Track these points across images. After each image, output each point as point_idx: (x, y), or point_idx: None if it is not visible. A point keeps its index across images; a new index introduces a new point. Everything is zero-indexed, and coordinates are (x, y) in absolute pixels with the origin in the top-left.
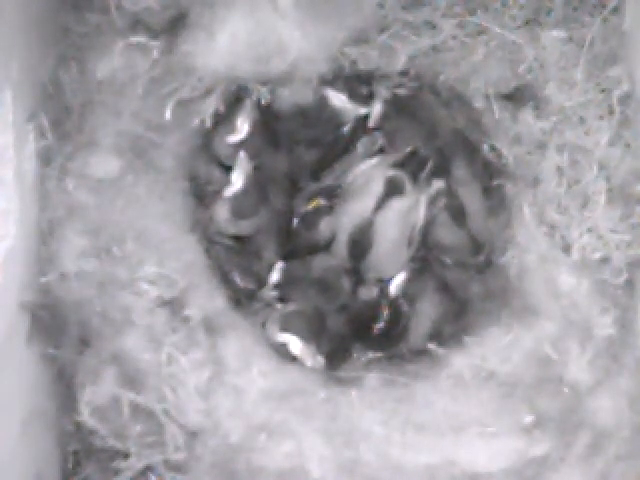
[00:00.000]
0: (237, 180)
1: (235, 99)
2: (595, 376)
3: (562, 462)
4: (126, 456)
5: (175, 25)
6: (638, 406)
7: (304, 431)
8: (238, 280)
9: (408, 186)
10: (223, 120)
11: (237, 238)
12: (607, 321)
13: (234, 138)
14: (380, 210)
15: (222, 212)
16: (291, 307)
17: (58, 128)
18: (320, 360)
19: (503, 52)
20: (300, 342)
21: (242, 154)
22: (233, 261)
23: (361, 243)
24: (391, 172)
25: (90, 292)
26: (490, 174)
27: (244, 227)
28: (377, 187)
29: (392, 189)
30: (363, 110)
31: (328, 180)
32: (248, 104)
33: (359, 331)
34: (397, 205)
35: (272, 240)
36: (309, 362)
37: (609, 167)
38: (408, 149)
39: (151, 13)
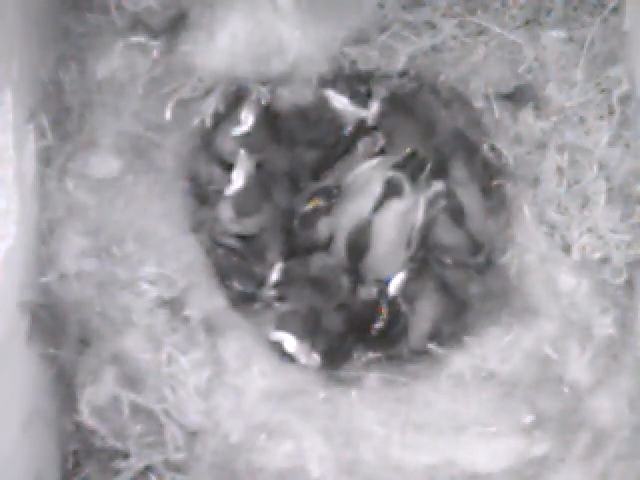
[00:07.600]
0: (238, 178)
1: (235, 99)
2: (595, 376)
3: (562, 462)
4: (126, 456)
5: (175, 25)
6: (638, 406)
7: (304, 431)
8: (236, 284)
9: (407, 187)
10: (226, 115)
11: (241, 238)
12: (607, 321)
13: (239, 130)
14: (378, 211)
15: (225, 211)
16: (286, 306)
17: (58, 128)
18: (316, 358)
19: (503, 52)
20: (295, 340)
21: (242, 152)
22: (233, 264)
23: (359, 244)
24: (390, 173)
25: (90, 292)
26: (490, 174)
27: (248, 225)
28: (376, 188)
29: (391, 190)
30: (364, 113)
31: (328, 180)
32: (251, 98)
33: (358, 330)
34: (395, 206)
35: (275, 240)
36: (304, 360)
37: (609, 167)
38: (407, 150)
39: (151, 13)
